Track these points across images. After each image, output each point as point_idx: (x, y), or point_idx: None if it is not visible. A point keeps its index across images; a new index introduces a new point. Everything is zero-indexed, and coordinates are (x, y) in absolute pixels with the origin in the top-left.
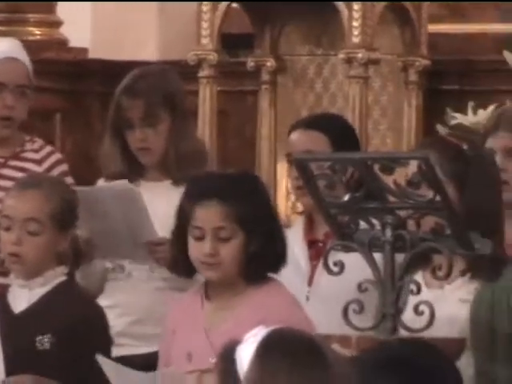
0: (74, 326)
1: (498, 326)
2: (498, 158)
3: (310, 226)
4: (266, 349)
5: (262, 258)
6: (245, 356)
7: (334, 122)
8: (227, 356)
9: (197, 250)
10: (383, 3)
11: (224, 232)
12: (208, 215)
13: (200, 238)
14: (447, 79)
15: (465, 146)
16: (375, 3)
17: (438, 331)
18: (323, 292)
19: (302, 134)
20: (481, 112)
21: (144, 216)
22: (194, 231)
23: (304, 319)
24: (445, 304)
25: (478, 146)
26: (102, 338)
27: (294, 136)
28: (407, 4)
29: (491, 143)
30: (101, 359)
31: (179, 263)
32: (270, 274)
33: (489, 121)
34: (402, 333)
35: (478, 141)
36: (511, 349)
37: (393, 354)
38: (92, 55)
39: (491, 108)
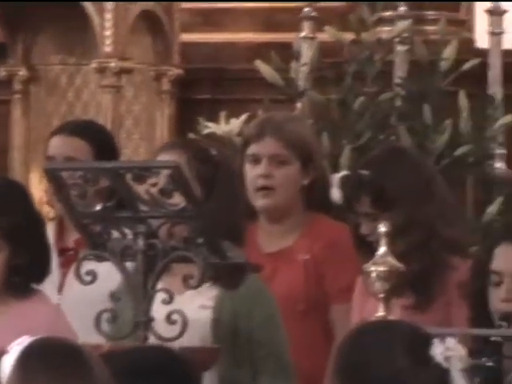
0: None
1: (240, 331)
2: (264, 165)
3: (60, 233)
4: (27, 357)
5: (26, 270)
6: (7, 365)
7: (97, 131)
8: None
9: None
10: (136, 12)
11: None
12: None
13: None
14: (200, 88)
15: (213, 151)
16: (129, 10)
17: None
18: (75, 300)
19: (65, 141)
20: (233, 121)
21: None
22: None
23: (67, 329)
24: (186, 310)
25: (225, 151)
26: None
27: (57, 141)
28: (159, 12)
29: (255, 150)
30: None
31: None
32: (34, 285)
33: (251, 128)
34: (154, 341)
35: (233, 148)
36: (252, 354)
37: (143, 363)
38: None
39: (243, 117)
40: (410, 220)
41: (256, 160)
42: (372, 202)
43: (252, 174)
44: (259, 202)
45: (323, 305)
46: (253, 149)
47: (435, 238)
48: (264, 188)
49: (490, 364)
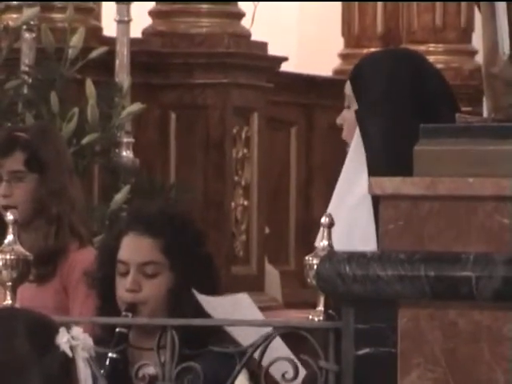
0: None
1: None
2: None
3: None
4: None
5: None
6: None
7: None
8: None
9: None
10: None
11: None
12: None
13: None
14: None
15: None
16: None
17: None
18: None
19: None
20: None
21: None
22: None
23: None
24: None
25: None
26: None
27: None
28: None
29: None
30: None
31: None
32: None
33: None
34: None
35: None
36: None
37: None
38: None
39: None
40: (60, 188)
41: None
42: (26, 160)
43: None
44: None
45: None
46: None
47: (64, 220)
48: None
49: (115, 355)
